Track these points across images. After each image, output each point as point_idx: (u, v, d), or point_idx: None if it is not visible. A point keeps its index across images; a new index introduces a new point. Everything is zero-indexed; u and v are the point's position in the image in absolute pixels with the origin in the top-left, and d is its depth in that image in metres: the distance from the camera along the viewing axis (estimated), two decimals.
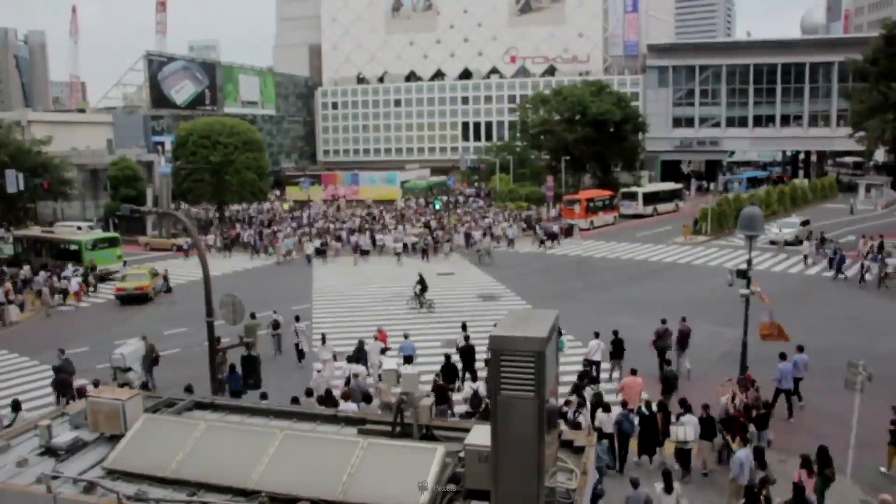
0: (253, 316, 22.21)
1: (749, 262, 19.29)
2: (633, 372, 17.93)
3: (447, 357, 19.14)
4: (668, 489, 12.09)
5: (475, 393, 16.51)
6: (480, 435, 6.68)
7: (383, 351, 20.45)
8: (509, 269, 38.02)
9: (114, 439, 7.91)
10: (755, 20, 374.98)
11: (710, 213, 47.76)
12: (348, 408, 15.15)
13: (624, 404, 15.92)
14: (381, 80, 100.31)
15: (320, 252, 43.64)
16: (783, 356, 18.04)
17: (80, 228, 46.10)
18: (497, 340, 6.08)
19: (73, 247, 40.24)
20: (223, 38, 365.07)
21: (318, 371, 19.04)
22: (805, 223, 45.85)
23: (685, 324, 21.34)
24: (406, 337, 21.16)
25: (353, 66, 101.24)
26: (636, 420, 15.20)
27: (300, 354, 23.09)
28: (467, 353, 19.54)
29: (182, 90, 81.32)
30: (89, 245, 40.18)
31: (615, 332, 20.82)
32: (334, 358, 20.28)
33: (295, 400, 15.70)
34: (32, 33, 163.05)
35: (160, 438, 7.71)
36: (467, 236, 45.78)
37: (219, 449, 7.48)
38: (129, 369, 18.12)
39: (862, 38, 65.64)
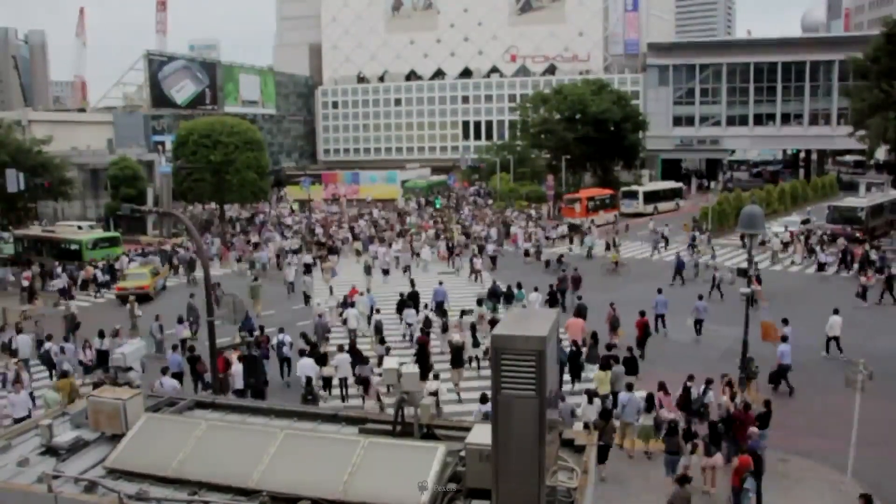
0: (256, 279, 32.24)
1: (749, 260, 19.37)
2: (576, 314, 23.64)
3: (401, 294, 27.41)
4: (591, 401, 16.06)
5: (427, 318, 24.07)
6: (481, 434, 6.68)
7: (378, 310, 26.14)
8: (513, 269, 37.95)
9: (115, 439, 7.91)
10: (755, 19, 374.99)
11: (711, 212, 47.73)
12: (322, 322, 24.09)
13: (558, 341, 20.54)
14: (381, 79, 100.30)
15: (309, 269, 36.02)
16: (660, 290, 26.78)
17: (80, 228, 46.16)
18: (498, 339, 6.08)
19: (74, 246, 40.29)
20: (223, 38, 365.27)
21: (318, 304, 27.49)
22: (805, 222, 45.87)
23: (576, 273, 31.34)
24: (369, 291, 28.24)
25: (354, 65, 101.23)
26: (567, 352, 19.73)
27: (307, 299, 30.87)
28: (414, 296, 27.39)
29: (182, 90, 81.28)
30: (90, 244, 40.23)
31: (551, 286, 28.63)
32: (338, 305, 27.31)
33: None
34: (32, 33, 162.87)
35: (161, 438, 7.71)
36: (477, 245, 41.01)
37: (220, 448, 7.48)
38: (130, 369, 18.13)
39: (862, 36, 65.56)
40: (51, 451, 7.90)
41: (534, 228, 48.05)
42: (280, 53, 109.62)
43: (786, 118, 79.55)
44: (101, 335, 22.92)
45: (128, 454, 7.53)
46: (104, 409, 8.10)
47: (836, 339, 22.34)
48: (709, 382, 16.75)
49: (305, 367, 19.16)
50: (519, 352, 5.93)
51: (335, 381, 20.13)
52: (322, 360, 20.20)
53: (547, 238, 45.69)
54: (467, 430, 7.33)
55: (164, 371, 18.80)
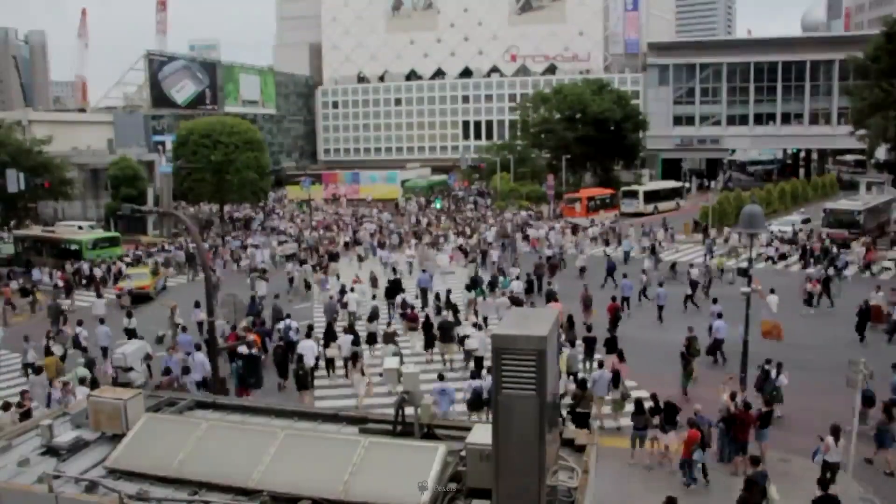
0: (264, 271, 35.19)
1: (750, 260, 19.40)
2: (554, 299, 26.41)
3: (388, 280, 31.03)
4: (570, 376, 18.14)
5: (403, 300, 27.85)
6: (482, 433, 6.68)
7: (374, 296, 29.80)
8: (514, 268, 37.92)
9: (115, 439, 7.91)
10: (755, 18, 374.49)
11: (711, 212, 47.68)
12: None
13: None
14: (381, 79, 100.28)
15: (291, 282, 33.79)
16: (625, 275, 30.42)
17: (81, 228, 46.22)
18: (498, 339, 6.08)
19: (74, 246, 40.35)
20: (223, 38, 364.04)
21: (327, 288, 30.92)
22: (806, 221, 45.78)
23: (553, 260, 35.24)
24: (360, 281, 30.20)
25: (354, 65, 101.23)
26: None
27: (307, 285, 33.84)
28: (396, 283, 30.68)
29: (183, 90, 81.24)
30: (90, 245, 40.33)
31: (528, 275, 31.61)
32: (342, 289, 29.30)
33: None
34: (32, 33, 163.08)
35: (162, 438, 7.71)
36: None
37: (220, 448, 7.48)
38: (131, 369, 18.19)
39: (862, 35, 65.49)
40: (51, 451, 7.90)
41: (558, 232, 44.79)
42: (280, 53, 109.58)
43: (786, 118, 79.52)
44: (129, 315, 25.79)
45: (128, 454, 7.53)
46: (104, 409, 8.09)
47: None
48: (780, 366, 17.80)
49: (305, 346, 20.92)
50: (519, 351, 5.93)
51: (337, 359, 22.21)
52: (331, 336, 22.66)
53: (593, 239, 43.37)
54: (468, 429, 7.33)
55: (199, 347, 19.91)
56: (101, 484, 7.09)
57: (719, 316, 22.36)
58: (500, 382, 6.00)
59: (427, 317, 24.40)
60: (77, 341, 23.96)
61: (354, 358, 20.28)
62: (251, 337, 21.34)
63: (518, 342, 5.96)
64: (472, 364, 21.02)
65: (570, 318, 23.17)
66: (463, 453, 7.01)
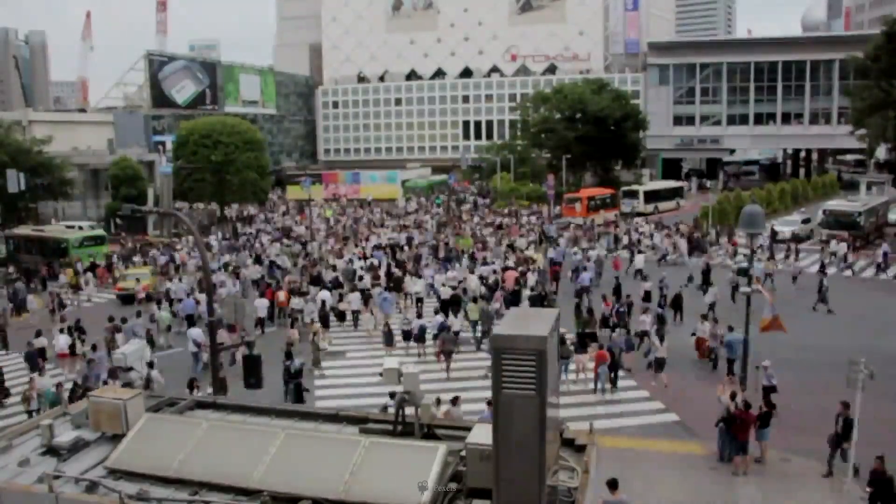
0: (297, 246, 42.19)
1: (751, 260, 19.40)
2: (510, 269, 30.63)
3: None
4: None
5: (371, 264, 34.51)
6: (482, 433, 6.68)
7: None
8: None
9: (115, 439, 7.91)
10: (755, 18, 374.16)
11: (711, 212, 47.65)
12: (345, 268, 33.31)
13: (499, 283, 29.53)
14: (381, 78, 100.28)
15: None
16: (584, 250, 37.31)
17: (81, 228, 46.46)
18: (498, 339, 6.09)
19: (62, 244, 41.02)
20: (223, 38, 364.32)
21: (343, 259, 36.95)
22: (806, 221, 45.71)
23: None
24: (366, 256, 36.99)
25: (354, 65, 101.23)
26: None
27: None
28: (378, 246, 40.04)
29: (183, 90, 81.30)
30: (76, 243, 41.01)
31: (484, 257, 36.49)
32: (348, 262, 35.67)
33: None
34: (33, 34, 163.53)
35: (162, 438, 7.71)
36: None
37: (221, 448, 7.48)
38: (131, 369, 18.16)
39: (863, 35, 65.46)
40: (52, 451, 7.90)
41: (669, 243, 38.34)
42: (280, 53, 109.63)
43: (786, 117, 79.54)
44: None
45: (128, 454, 7.53)
46: (105, 409, 8.09)
47: (640, 271, 31.53)
48: None
49: (325, 296, 27.82)
50: (520, 351, 5.93)
51: (346, 313, 28.08)
52: (351, 284, 30.22)
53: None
54: (468, 429, 7.33)
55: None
56: (102, 484, 7.09)
57: (584, 269, 30.82)
58: (500, 382, 6.00)
59: (397, 264, 34.29)
60: (168, 296, 29.35)
61: (367, 301, 27.81)
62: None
63: (518, 342, 5.96)
64: (422, 306, 27.59)
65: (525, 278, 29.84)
66: (463, 453, 7.01)
